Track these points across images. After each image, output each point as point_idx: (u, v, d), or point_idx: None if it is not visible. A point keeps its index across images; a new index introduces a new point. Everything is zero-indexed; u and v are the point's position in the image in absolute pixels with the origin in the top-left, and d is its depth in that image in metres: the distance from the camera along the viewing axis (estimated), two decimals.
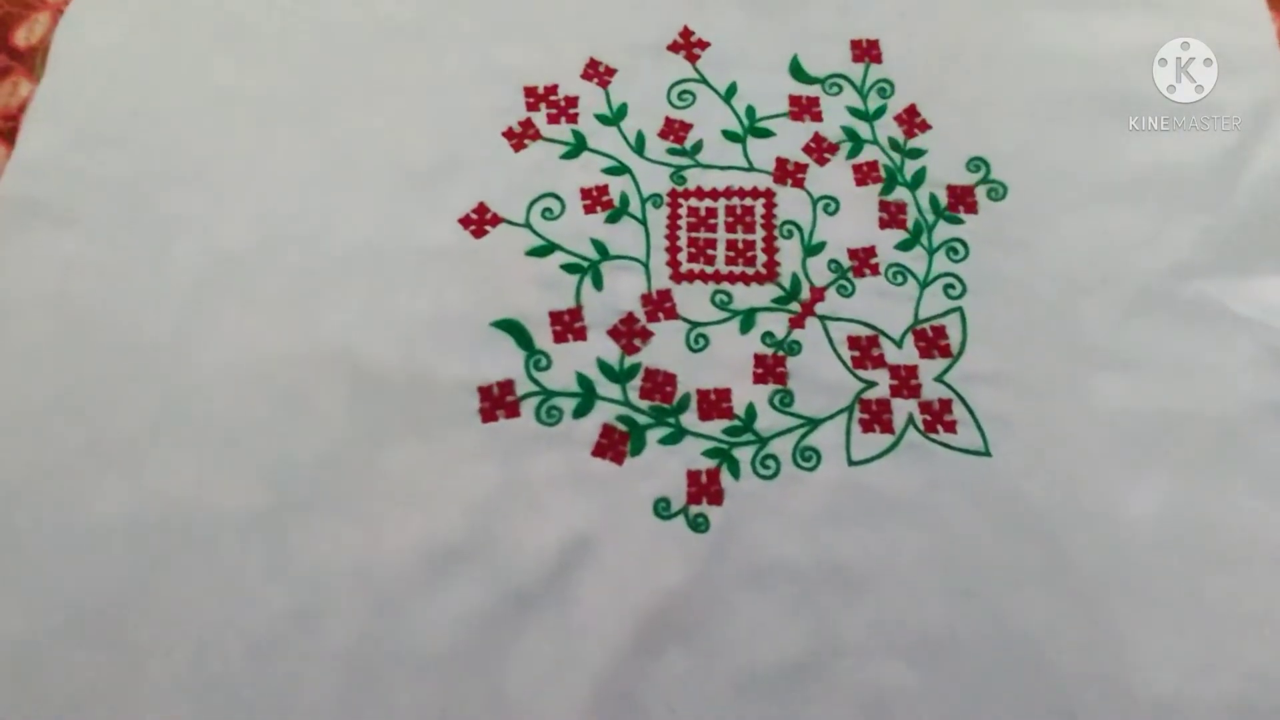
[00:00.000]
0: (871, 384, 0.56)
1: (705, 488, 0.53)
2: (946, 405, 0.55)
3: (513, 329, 0.56)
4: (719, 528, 0.51)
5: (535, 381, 0.55)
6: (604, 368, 0.56)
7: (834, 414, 0.55)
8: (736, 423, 0.54)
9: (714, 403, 0.55)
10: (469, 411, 0.54)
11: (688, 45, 0.66)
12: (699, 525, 0.52)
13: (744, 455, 0.53)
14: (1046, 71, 0.65)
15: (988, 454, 0.53)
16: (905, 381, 0.56)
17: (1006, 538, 0.51)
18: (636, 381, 0.55)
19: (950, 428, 0.54)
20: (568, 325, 0.57)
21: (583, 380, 0.55)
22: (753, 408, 0.55)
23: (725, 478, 0.53)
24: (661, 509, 0.52)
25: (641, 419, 0.54)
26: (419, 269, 0.58)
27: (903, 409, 0.55)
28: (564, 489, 0.52)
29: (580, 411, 0.54)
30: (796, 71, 0.66)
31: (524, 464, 0.53)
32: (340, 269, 0.58)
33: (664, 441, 0.54)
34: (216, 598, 0.49)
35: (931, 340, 0.57)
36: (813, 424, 0.54)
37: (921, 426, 0.54)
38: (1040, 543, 0.51)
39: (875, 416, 0.55)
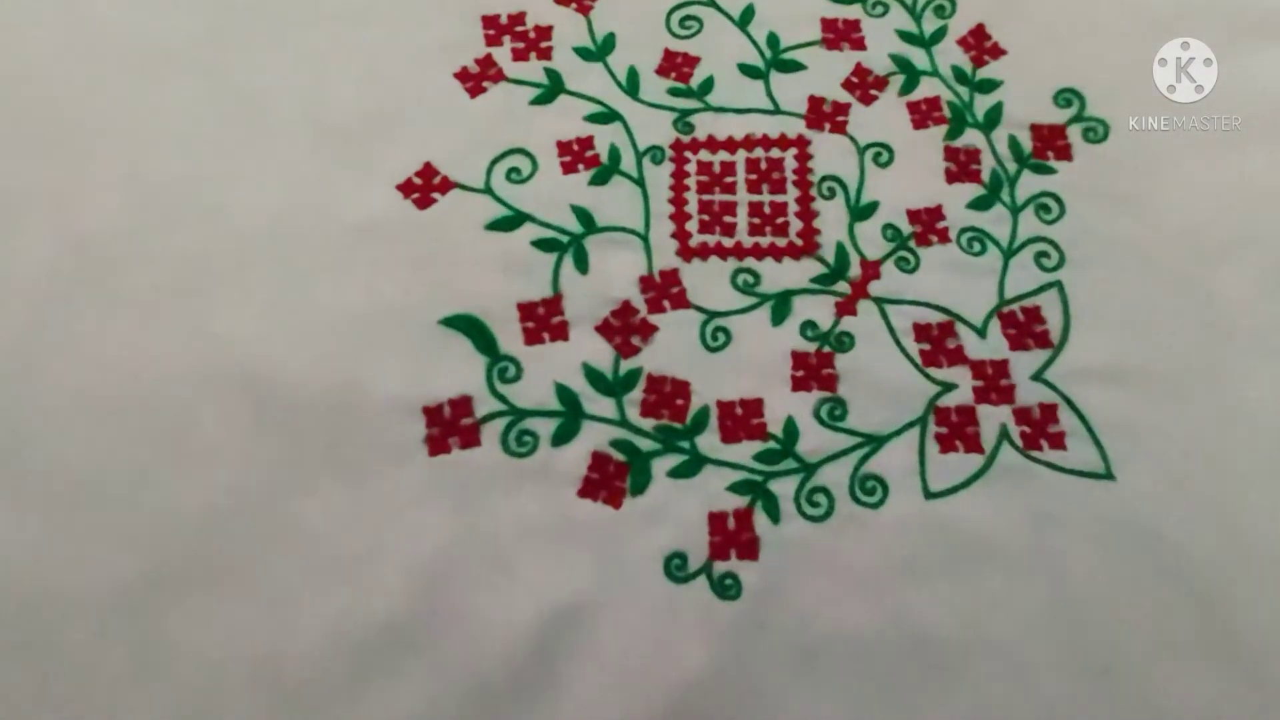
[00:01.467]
0: (949, 387, 0.50)
1: (734, 536, 0.46)
2: (1050, 413, 0.49)
3: (469, 327, 0.50)
4: (755, 591, 0.45)
5: (500, 398, 0.49)
6: (592, 376, 0.50)
7: (902, 429, 0.49)
8: (772, 445, 0.48)
9: (741, 419, 0.49)
10: (412, 441, 0.48)
11: None
12: (728, 589, 0.45)
13: (784, 490, 0.47)
14: None
15: (1110, 476, 0.47)
16: (993, 382, 0.50)
17: (1145, 589, 0.45)
18: (636, 393, 0.50)
19: (1057, 442, 0.48)
20: (543, 321, 0.51)
21: (564, 394, 0.49)
22: (793, 424, 0.49)
23: (761, 521, 0.47)
24: (675, 568, 0.46)
25: (644, 444, 0.48)
26: (344, 251, 0.52)
27: (993, 419, 0.49)
28: (542, 543, 0.46)
29: (562, 437, 0.48)
30: None
31: (487, 510, 0.47)
32: (239, 253, 0.52)
33: (675, 474, 0.48)
34: (61, 705, 0.42)
35: (1024, 326, 0.51)
36: (875, 443, 0.48)
37: (1019, 442, 0.48)
38: (1190, 594, 0.45)
39: (957, 430, 0.48)
